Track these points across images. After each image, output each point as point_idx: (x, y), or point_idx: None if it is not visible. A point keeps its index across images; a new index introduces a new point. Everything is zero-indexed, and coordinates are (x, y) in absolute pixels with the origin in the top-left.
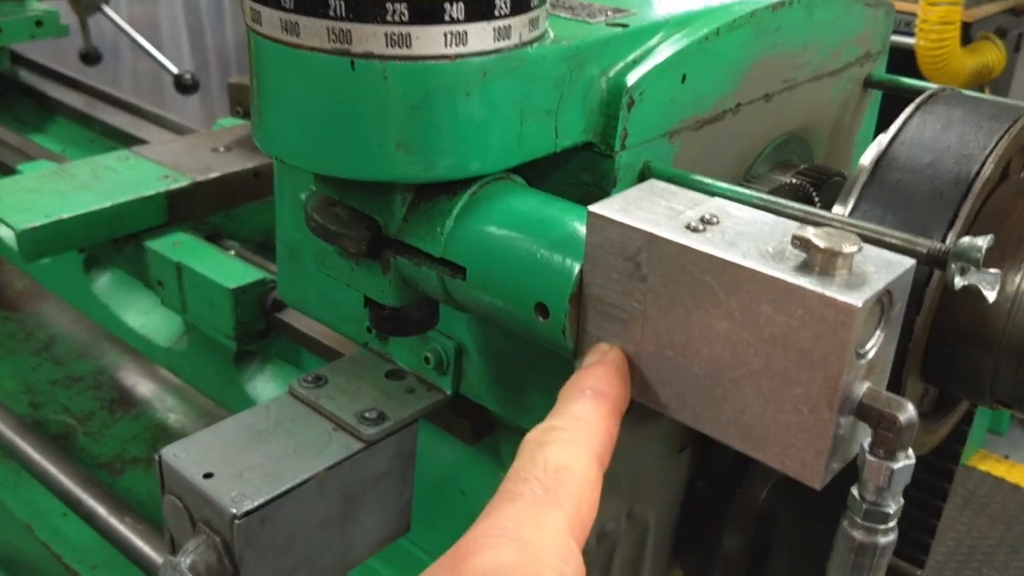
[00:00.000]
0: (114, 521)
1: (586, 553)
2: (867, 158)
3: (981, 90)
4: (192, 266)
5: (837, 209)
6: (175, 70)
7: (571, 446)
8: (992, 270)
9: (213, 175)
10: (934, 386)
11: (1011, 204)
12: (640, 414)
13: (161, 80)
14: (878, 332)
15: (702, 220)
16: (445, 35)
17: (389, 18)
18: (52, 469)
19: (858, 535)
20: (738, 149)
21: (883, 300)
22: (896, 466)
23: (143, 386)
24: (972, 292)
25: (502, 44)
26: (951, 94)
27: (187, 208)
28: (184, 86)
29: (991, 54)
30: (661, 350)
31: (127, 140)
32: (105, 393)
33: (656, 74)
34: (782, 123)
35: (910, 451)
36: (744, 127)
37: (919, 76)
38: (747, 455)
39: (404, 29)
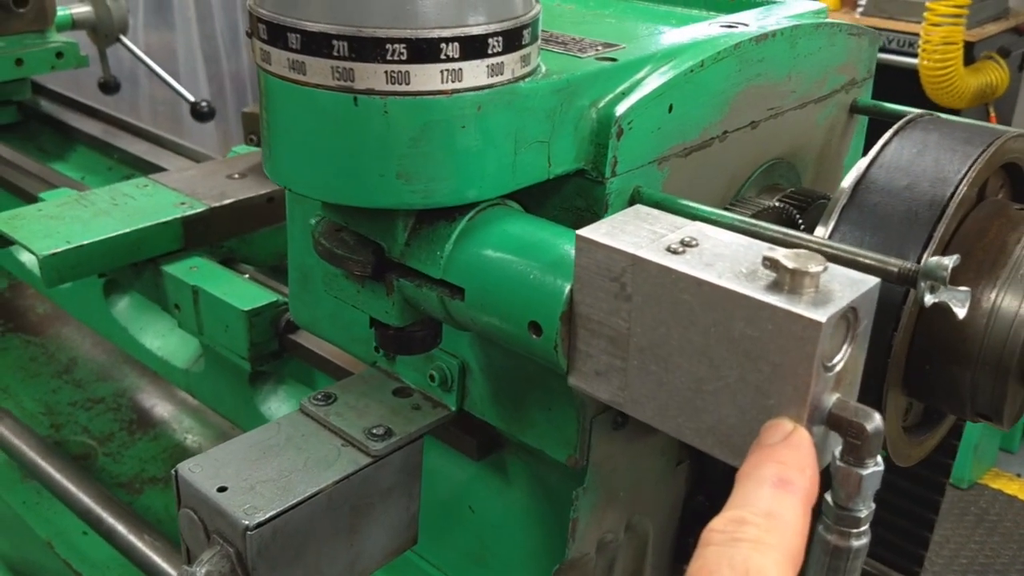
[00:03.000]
0: (133, 539)
1: (586, 563)
2: (847, 181)
3: (985, 109)
4: (208, 289)
5: (819, 231)
6: (191, 98)
7: (765, 548)
8: (962, 288)
9: (228, 201)
10: (918, 400)
11: (987, 224)
12: (638, 429)
13: (179, 107)
14: (845, 346)
15: (682, 243)
16: (442, 72)
17: (389, 57)
18: (73, 488)
19: (832, 539)
20: (726, 174)
21: (848, 316)
22: (865, 472)
23: (161, 407)
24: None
25: (495, 80)
26: (929, 119)
27: (203, 233)
28: (200, 114)
29: (994, 74)
30: (646, 365)
31: (145, 167)
32: (124, 415)
33: (643, 105)
34: (769, 149)
35: (879, 458)
36: (731, 153)
37: (923, 96)
38: (727, 463)
39: (403, 68)
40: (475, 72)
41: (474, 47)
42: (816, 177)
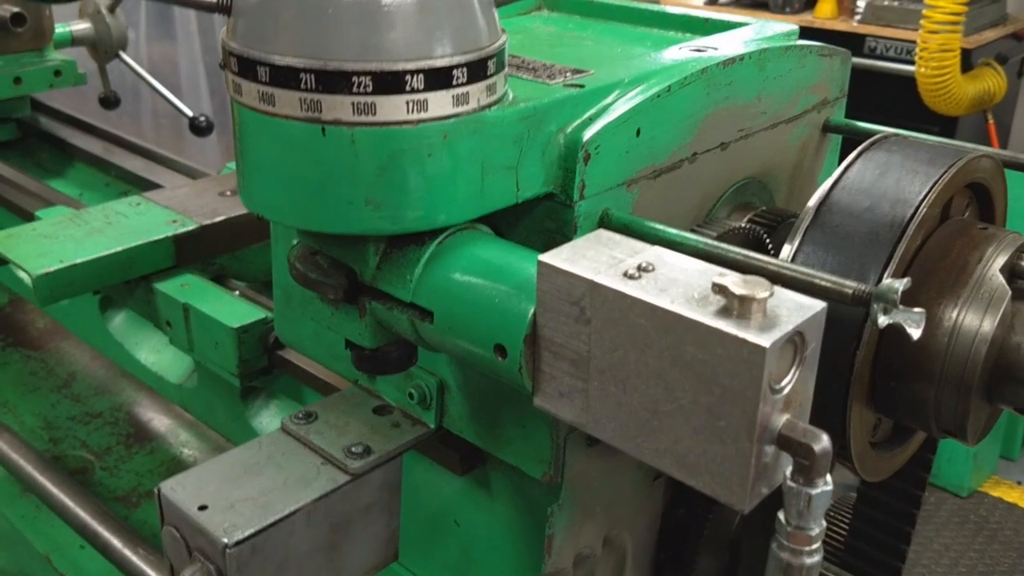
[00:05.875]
0: (128, 553)
1: None
2: (811, 202)
3: (984, 116)
4: (198, 307)
5: (784, 251)
6: (190, 113)
7: None
8: (916, 309)
9: (219, 219)
10: (885, 416)
11: (949, 244)
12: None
13: (181, 120)
14: (793, 369)
15: (639, 268)
16: (407, 103)
17: (355, 89)
18: (70, 503)
19: (785, 556)
20: (697, 195)
21: (795, 340)
22: (814, 492)
23: (158, 421)
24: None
25: (461, 109)
26: (894, 140)
27: (194, 250)
28: (199, 128)
29: (992, 80)
30: (606, 387)
31: (141, 184)
32: (122, 429)
33: (611, 129)
34: (740, 169)
35: (828, 478)
36: (702, 174)
37: (921, 103)
38: (689, 485)
39: (369, 99)
40: (440, 102)
41: (439, 79)
42: (790, 195)
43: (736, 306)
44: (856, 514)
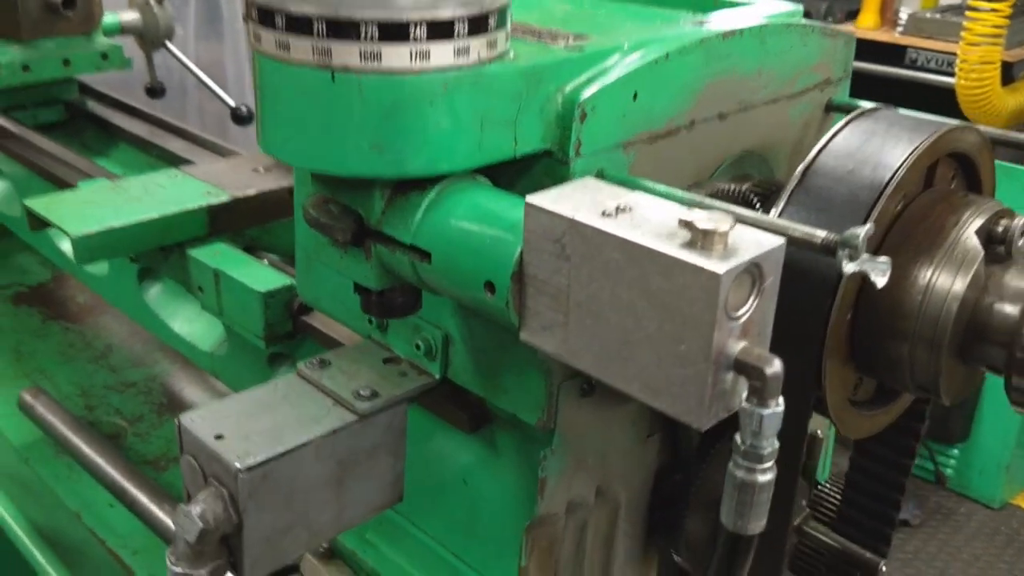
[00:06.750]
0: (154, 508)
1: (555, 522)
2: (800, 167)
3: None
4: (228, 272)
5: (772, 212)
6: (232, 103)
7: None
8: (881, 258)
9: (251, 192)
10: (865, 374)
11: (929, 209)
12: (605, 397)
13: (224, 113)
14: (751, 299)
15: (617, 209)
16: (410, 52)
17: (363, 36)
18: (102, 463)
19: (740, 474)
20: (694, 162)
21: (752, 271)
22: (765, 412)
23: (189, 391)
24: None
25: (461, 61)
26: (882, 112)
27: (227, 221)
28: (240, 118)
29: None
30: (582, 319)
31: (182, 163)
32: (155, 398)
33: (607, 91)
34: (739, 140)
35: (780, 400)
36: (699, 142)
37: (961, 116)
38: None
39: (375, 47)
40: (442, 53)
41: (441, 30)
42: (790, 171)
43: (700, 239)
44: (848, 483)
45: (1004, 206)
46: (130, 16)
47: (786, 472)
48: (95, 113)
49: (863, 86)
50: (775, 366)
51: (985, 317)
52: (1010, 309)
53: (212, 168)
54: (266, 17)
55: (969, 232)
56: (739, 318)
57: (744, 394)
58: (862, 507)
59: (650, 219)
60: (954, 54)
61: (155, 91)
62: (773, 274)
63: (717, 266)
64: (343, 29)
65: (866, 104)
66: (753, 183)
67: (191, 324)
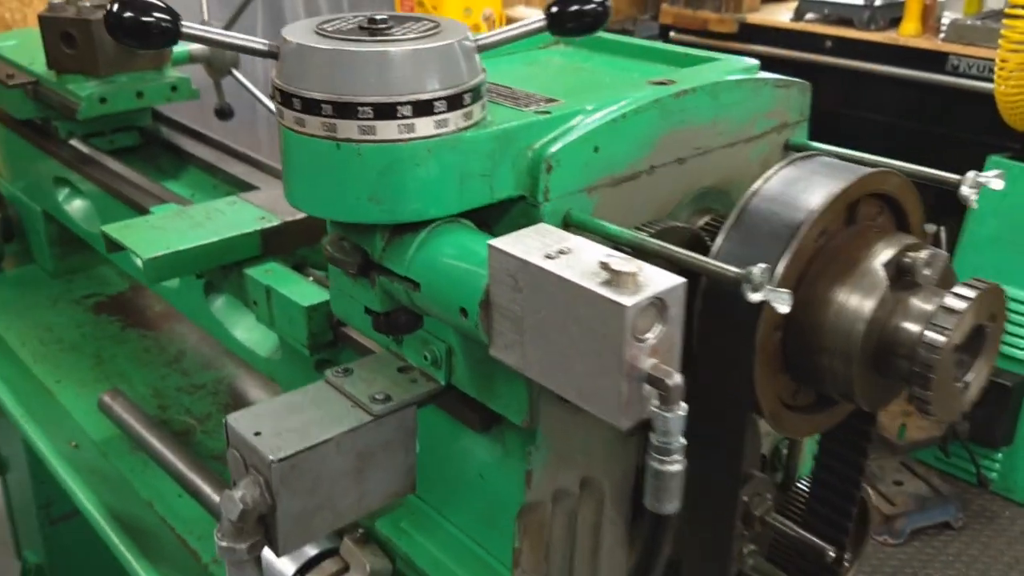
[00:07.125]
0: (218, 499)
1: (543, 510)
2: (736, 208)
3: None
4: (278, 288)
5: (715, 243)
6: None
7: None
8: (782, 289)
9: (300, 216)
10: (802, 384)
11: (848, 242)
12: None
13: None
14: (657, 325)
15: (559, 251)
16: (399, 126)
17: (360, 116)
18: (172, 458)
19: (655, 465)
20: (656, 200)
21: (656, 304)
22: (670, 415)
23: (253, 393)
24: (812, 306)
25: (441, 131)
26: (813, 158)
27: (278, 242)
28: (223, 112)
29: None
30: (534, 339)
31: (243, 186)
32: (222, 398)
33: (570, 147)
34: (698, 180)
35: (682, 405)
36: (660, 183)
37: (1000, 121)
38: (587, 409)
39: (371, 123)
40: (425, 125)
41: (423, 108)
42: None
43: (615, 278)
44: (812, 480)
45: (917, 239)
46: (198, 47)
47: (730, 461)
48: (168, 139)
49: (904, 95)
50: (675, 379)
51: (892, 335)
52: (912, 328)
53: (267, 195)
54: (286, 99)
55: (877, 263)
56: (646, 340)
57: (656, 401)
58: (824, 501)
59: (582, 260)
60: (993, 60)
61: (224, 113)
62: (675, 306)
63: (626, 300)
64: (345, 110)
65: (832, 151)
66: (706, 221)
67: (250, 332)
